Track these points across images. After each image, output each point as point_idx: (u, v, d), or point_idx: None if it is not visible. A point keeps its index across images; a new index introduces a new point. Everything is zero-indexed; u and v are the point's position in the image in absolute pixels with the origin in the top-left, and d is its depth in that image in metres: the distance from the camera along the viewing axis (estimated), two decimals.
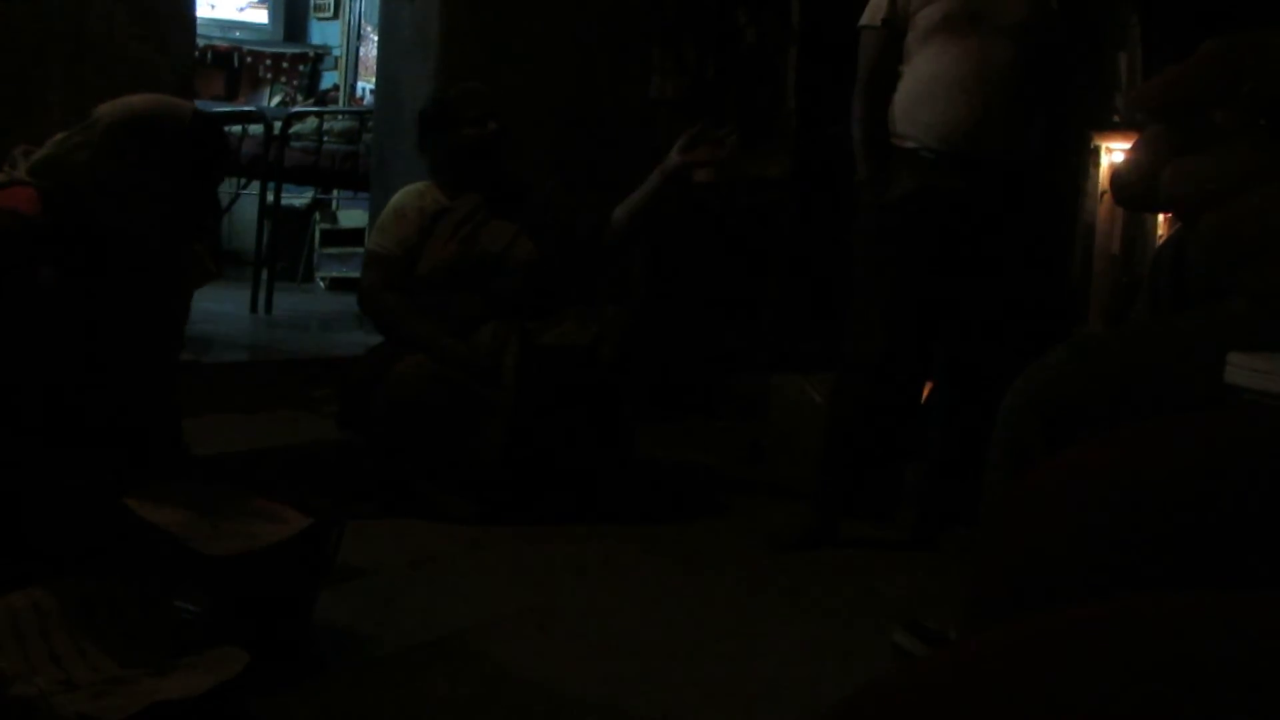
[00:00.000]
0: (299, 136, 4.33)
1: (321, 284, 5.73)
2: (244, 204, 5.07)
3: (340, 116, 4.73)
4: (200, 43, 5.43)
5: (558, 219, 2.74)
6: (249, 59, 6.55)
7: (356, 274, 5.09)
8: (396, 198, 2.77)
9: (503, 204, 2.72)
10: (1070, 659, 0.33)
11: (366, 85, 6.19)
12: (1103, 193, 3.06)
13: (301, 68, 6.69)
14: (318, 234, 5.82)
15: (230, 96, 6.45)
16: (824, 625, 1.95)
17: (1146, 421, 0.59)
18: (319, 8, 6.80)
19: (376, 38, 4.69)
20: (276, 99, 6.51)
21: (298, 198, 5.73)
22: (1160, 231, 3.03)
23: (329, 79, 6.71)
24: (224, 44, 6.41)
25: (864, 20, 2.36)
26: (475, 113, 2.70)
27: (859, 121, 2.37)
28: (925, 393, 2.54)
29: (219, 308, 3.76)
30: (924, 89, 2.27)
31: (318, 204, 5.88)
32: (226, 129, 4.25)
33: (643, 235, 2.73)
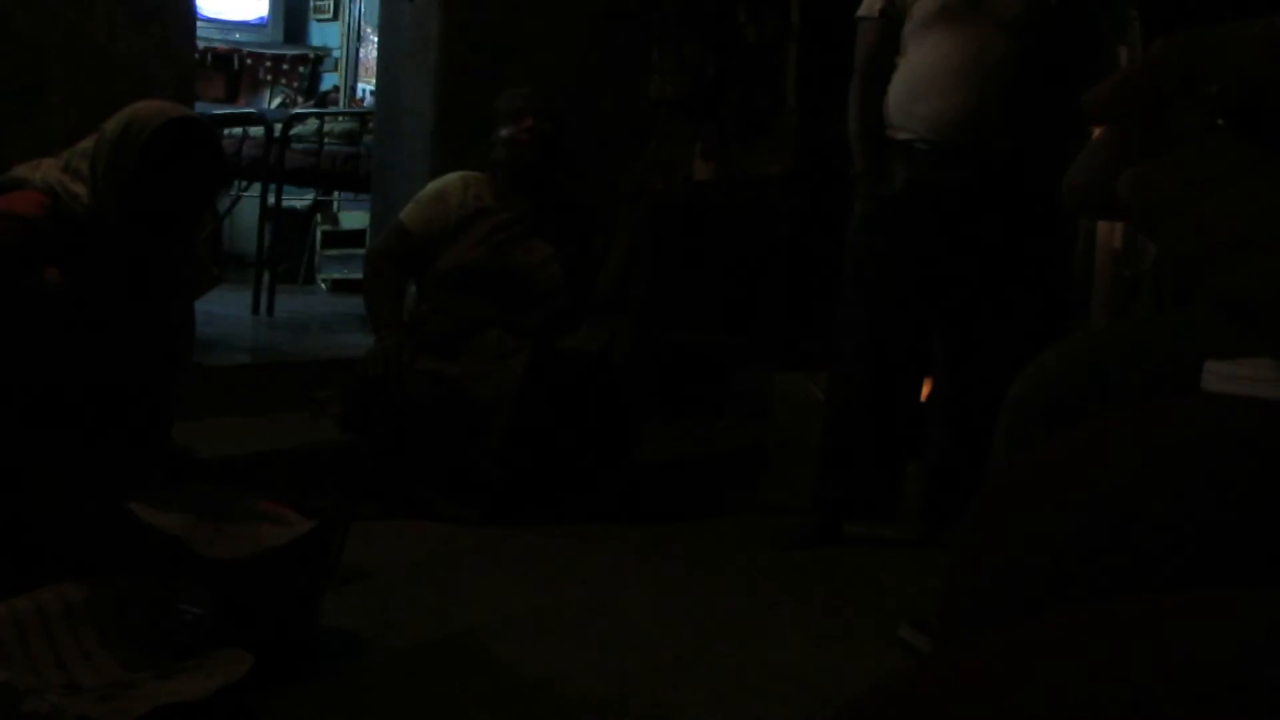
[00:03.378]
0: (300, 138, 4.33)
1: (323, 286, 5.74)
2: (245, 206, 5.08)
3: (341, 118, 4.73)
4: (200, 45, 5.44)
5: (590, 255, 2.74)
6: (249, 61, 6.55)
7: (358, 275, 5.10)
8: (446, 179, 2.75)
9: (547, 220, 2.70)
10: (1090, 658, 0.32)
11: (367, 86, 6.20)
12: None
13: (301, 69, 6.69)
14: (319, 236, 5.83)
15: (231, 99, 6.46)
16: (828, 623, 1.95)
17: (1115, 413, 0.59)
18: (318, 9, 6.80)
19: (376, 39, 4.69)
20: (277, 101, 6.52)
21: (299, 200, 5.74)
22: None
23: (329, 80, 6.71)
24: (224, 46, 6.41)
25: (861, 11, 2.36)
26: (515, 109, 2.68)
27: (856, 113, 2.37)
28: (926, 390, 2.54)
29: (220, 310, 3.76)
30: (919, 81, 2.26)
31: (319, 206, 5.89)
32: (227, 132, 4.26)
33: (624, 284, 2.76)
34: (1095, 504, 0.52)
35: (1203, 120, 0.34)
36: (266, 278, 4.14)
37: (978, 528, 0.56)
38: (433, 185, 2.74)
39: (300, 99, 6.49)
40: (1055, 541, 0.51)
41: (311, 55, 6.74)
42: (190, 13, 2.88)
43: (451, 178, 2.74)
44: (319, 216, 5.86)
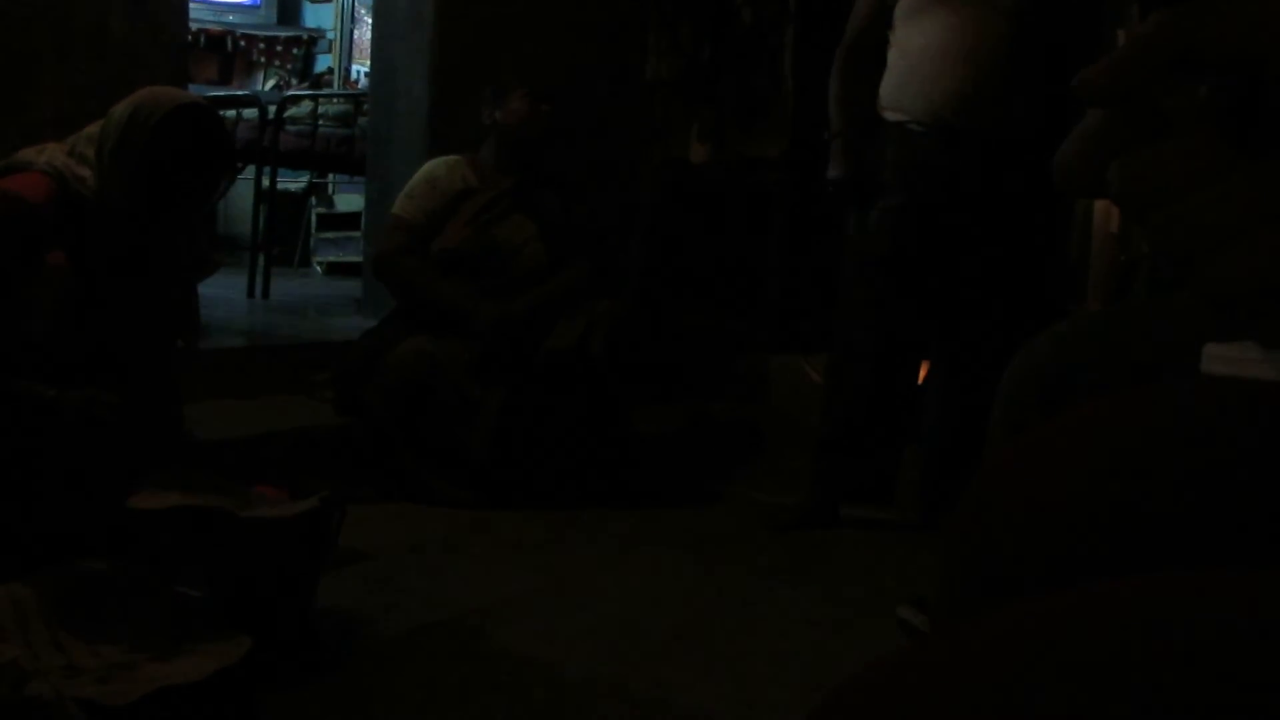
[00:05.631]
0: (294, 120, 4.31)
1: (318, 268, 5.72)
2: (240, 189, 5.05)
3: (335, 100, 4.71)
4: (193, 26, 5.40)
5: (572, 230, 2.74)
6: (242, 43, 6.51)
7: (354, 258, 5.10)
8: (430, 166, 2.75)
9: (528, 197, 2.70)
10: (1093, 638, 0.33)
11: (361, 68, 6.16)
12: None
13: (295, 51, 6.65)
14: (314, 218, 5.81)
15: (224, 81, 6.42)
16: (824, 605, 1.96)
17: (1111, 395, 0.59)
18: None
19: (370, 20, 4.66)
20: (270, 83, 6.48)
21: (293, 182, 5.71)
22: None
23: (323, 62, 6.67)
24: (217, 28, 6.37)
25: None
26: (531, 89, 2.70)
27: (837, 82, 2.38)
28: (922, 373, 2.54)
29: (216, 293, 3.75)
30: (914, 62, 2.25)
31: (314, 188, 5.86)
32: (221, 114, 4.23)
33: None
34: (1093, 485, 0.52)
35: (1194, 107, 0.34)
36: (261, 261, 4.13)
37: (975, 509, 0.56)
38: (420, 175, 2.73)
39: (294, 81, 6.45)
40: (1053, 522, 0.52)
41: (305, 37, 6.70)
42: None
43: (436, 164, 2.75)
44: (314, 199, 5.84)
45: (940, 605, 0.61)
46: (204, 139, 1.76)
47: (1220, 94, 0.34)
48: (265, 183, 4.19)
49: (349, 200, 5.73)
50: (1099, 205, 3.11)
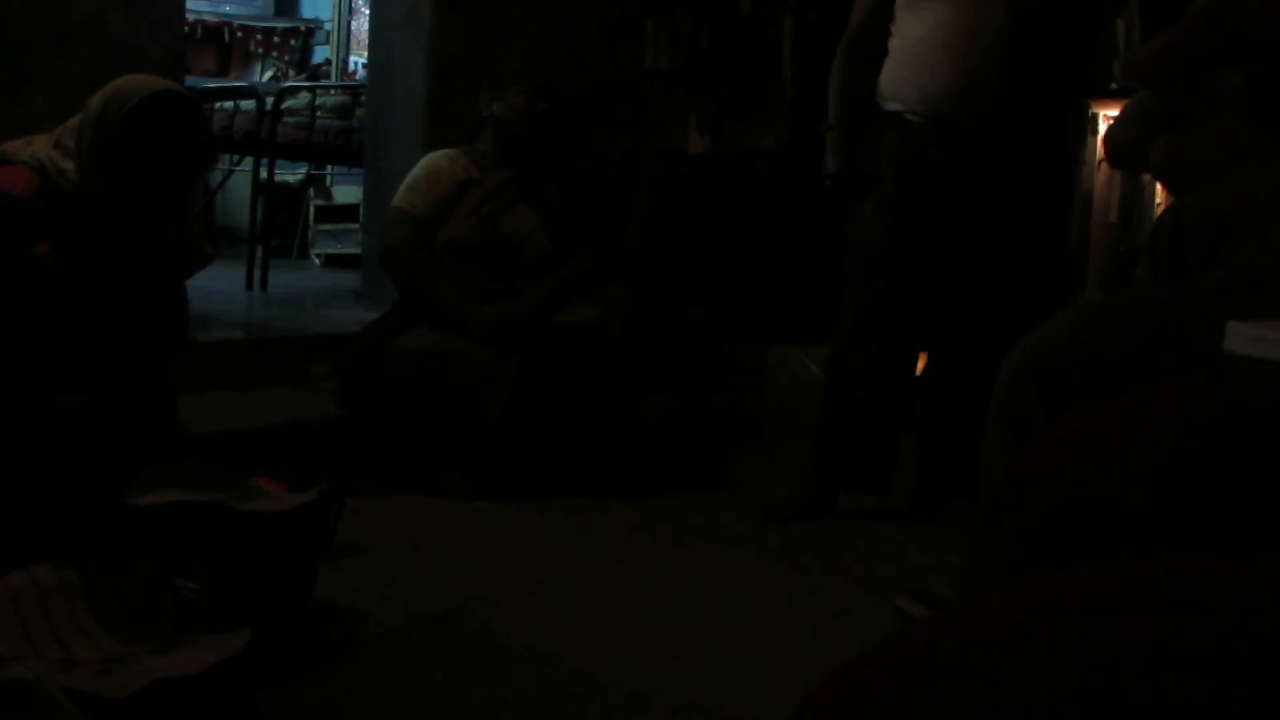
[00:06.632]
0: (291, 112, 4.30)
1: (317, 260, 5.72)
2: (237, 181, 5.05)
3: (333, 91, 4.69)
4: (190, 17, 5.39)
5: (575, 221, 2.74)
6: (239, 34, 6.49)
7: (352, 250, 5.09)
8: (430, 159, 2.73)
9: (529, 188, 2.70)
10: (1073, 623, 0.33)
11: (359, 60, 6.15)
12: (1100, 161, 3.04)
13: (293, 42, 6.64)
14: (312, 210, 5.80)
15: (222, 72, 6.41)
16: (823, 596, 1.96)
17: (1144, 388, 0.59)
18: None
19: (368, 11, 4.65)
20: (268, 74, 6.47)
21: (291, 174, 5.71)
22: (1158, 200, 3.02)
23: (320, 53, 6.66)
24: (214, 19, 6.36)
25: None
26: (529, 85, 2.69)
27: (837, 73, 2.38)
28: (920, 364, 2.54)
29: (214, 285, 3.74)
30: (912, 51, 2.25)
31: (312, 180, 5.85)
32: (218, 105, 4.22)
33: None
34: (1129, 479, 0.52)
35: (1234, 90, 0.35)
36: (260, 253, 4.13)
37: (1007, 499, 0.56)
38: (421, 168, 2.71)
39: (291, 72, 6.44)
40: (1092, 514, 0.51)
41: (303, 28, 6.69)
42: None
43: (435, 157, 2.74)
44: (312, 191, 5.83)
45: (969, 590, 0.61)
46: (179, 128, 1.74)
47: (1254, 79, 0.34)
48: (263, 174, 4.18)
49: (347, 192, 5.72)
50: (1098, 195, 3.10)
